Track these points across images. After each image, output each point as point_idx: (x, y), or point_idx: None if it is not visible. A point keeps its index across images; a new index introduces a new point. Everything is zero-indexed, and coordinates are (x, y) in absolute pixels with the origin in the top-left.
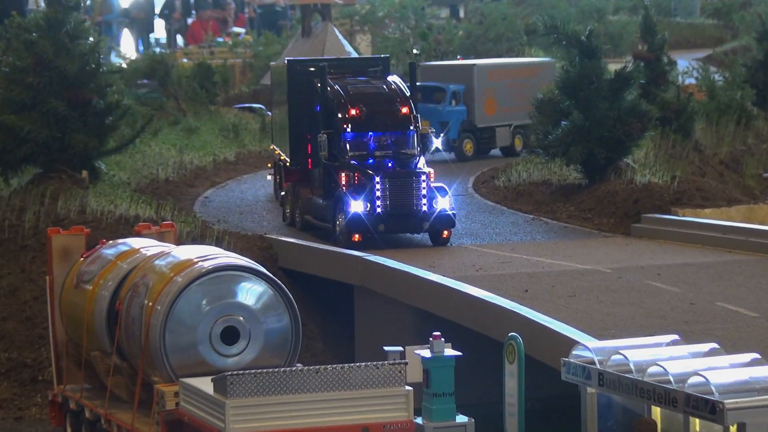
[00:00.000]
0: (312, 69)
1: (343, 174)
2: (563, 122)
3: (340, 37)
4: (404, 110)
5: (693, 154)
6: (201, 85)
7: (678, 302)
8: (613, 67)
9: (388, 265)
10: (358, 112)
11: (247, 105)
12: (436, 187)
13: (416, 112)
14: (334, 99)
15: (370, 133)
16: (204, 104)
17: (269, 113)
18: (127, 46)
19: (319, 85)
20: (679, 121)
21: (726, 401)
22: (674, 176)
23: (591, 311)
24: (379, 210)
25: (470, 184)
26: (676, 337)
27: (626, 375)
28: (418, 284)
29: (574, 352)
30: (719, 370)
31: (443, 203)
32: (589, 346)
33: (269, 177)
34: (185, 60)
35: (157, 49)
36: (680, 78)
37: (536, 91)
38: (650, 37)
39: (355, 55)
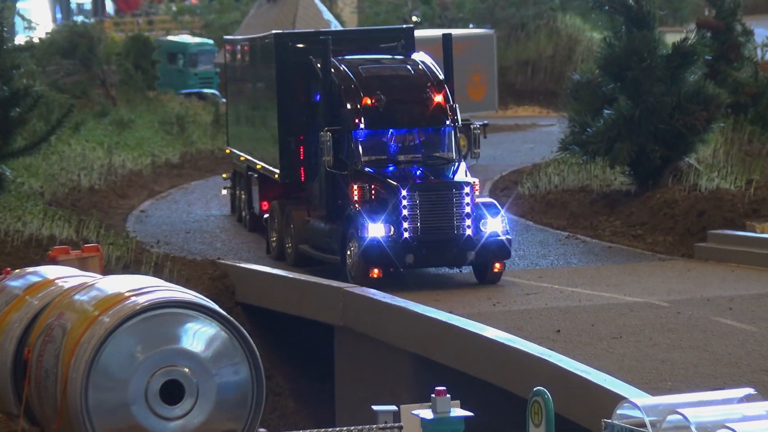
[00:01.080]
0: (305, 45)
1: (355, 186)
2: (606, 111)
3: (317, 2)
4: (437, 99)
5: None
6: (136, 65)
7: (754, 345)
8: (672, 38)
9: (378, 298)
10: (374, 101)
11: (195, 90)
12: (483, 203)
13: (453, 102)
14: (342, 85)
15: (392, 131)
16: (140, 90)
17: (224, 100)
18: (41, 15)
19: (319, 66)
20: (758, 109)
21: None
22: (750, 180)
23: (641, 357)
24: (406, 235)
25: (486, 191)
26: (751, 390)
27: None
28: (416, 323)
29: (618, 412)
30: None
31: (494, 225)
32: (638, 404)
33: (224, 192)
34: (116, 32)
35: (80, 19)
36: (759, 52)
37: (473, 71)
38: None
39: (336, 24)
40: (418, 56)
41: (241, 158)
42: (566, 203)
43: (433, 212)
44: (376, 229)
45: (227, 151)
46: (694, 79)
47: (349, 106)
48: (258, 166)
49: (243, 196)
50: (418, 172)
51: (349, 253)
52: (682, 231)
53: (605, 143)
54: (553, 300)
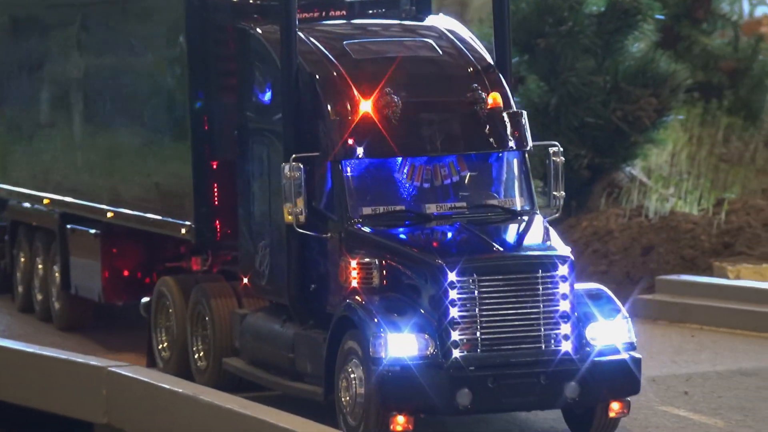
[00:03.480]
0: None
1: (353, 262)
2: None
3: None
4: (490, 100)
5: (764, 154)
6: None
7: None
8: None
9: (164, 385)
10: (383, 107)
11: None
12: (587, 293)
13: (512, 104)
14: (318, 76)
15: (411, 161)
16: None
17: None
18: None
19: (270, 41)
20: (738, 92)
21: None
22: (722, 200)
23: None
24: (457, 354)
25: None
26: None
27: None
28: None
29: None
30: None
31: (611, 332)
32: None
33: None
34: None
35: None
36: (740, 8)
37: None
38: None
39: None
40: (441, 21)
41: (45, 201)
42: None
43: (505, 313)
44: (402, 344)
45: None
46: (639, 50)
47: (333, 116)
48: (110, 215)
49: (40, 268)
50: (470, 237)
51: (344, 384)
52: (620, 276)
53: None
54: None
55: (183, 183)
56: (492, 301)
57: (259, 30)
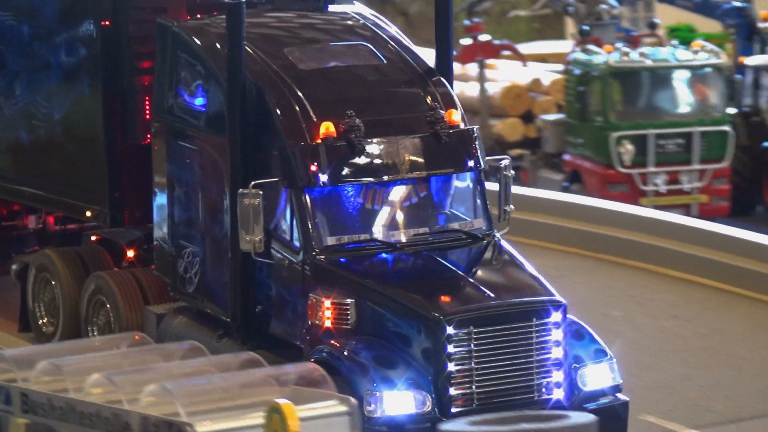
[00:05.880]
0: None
1: (327, 302)
2: None
3: None
4: (449, 117)
5: None
6: None
7: None
8: None
9: None
10: (348, 131)
11: None
12: (571, 332)
13: (465, 119)
14: (272, 95)
15: (373, 187)
16: None
17: None
18: None
19: (206, 46)
20: None
21: None
22: None
23: None
24: (453, 410)
25: None
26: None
27: None
28: None
29: None
30: None
31: (596, 376)
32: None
33: None
34: None
35: None
36: None
37: None
38: None
39: None
40: (356, 12)
41: None
42: None
43: (499, 364)
44: (398, 402)
45: None
46: None
47: (292, 139)
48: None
49: None
50: (456, 280)
51: None
52: None
53: None
54: None
55: (93, 166)
56: (487, 352)
57: (186, 29)
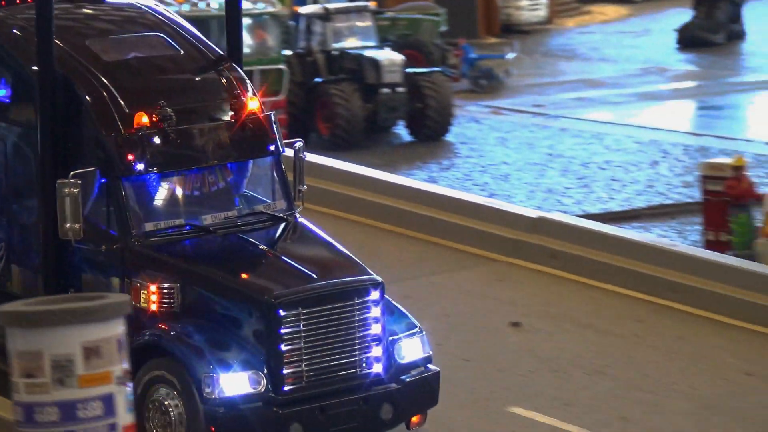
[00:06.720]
0: None
1: (153, 287)
2: None
3: None
4: (247, 102)
5: None
6: None
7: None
8: None
9: None
10: (161, 121)
11: None
12: (387, 309)
13: (262, 105)
14: (82, 87)
15: (185, 174)
16: None
17: None
18: None
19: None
20: None
21: None
22: None
23: None
24: (285, 388)
25: None
26: None
27: None
28: None
29: None
30: None
31: (409, 349)
32: None
33: None
34: None
35: None
36: None
37: None
38: None
39: None
40: (139, 2)
41: None
42: None
43: (326, 342)
44: (234, 383)
45: None
46: None
47: (106, 130)
48: None
49: None
50: (278, 262)
51: (152, 413)
52: None
53: None
54: None
55: None
56: (315, 332)
57: None
